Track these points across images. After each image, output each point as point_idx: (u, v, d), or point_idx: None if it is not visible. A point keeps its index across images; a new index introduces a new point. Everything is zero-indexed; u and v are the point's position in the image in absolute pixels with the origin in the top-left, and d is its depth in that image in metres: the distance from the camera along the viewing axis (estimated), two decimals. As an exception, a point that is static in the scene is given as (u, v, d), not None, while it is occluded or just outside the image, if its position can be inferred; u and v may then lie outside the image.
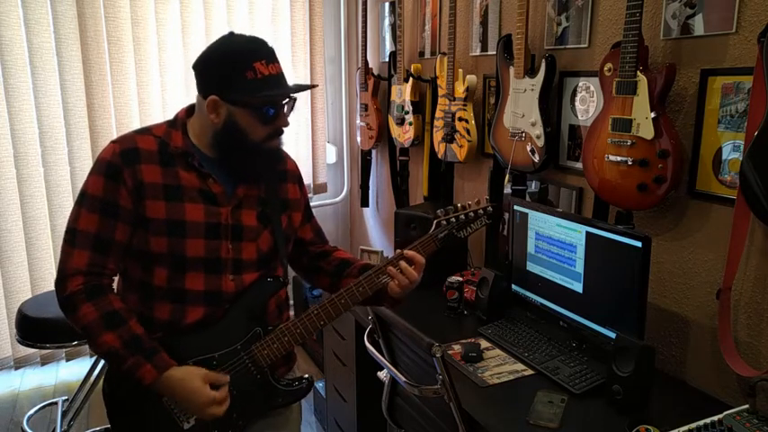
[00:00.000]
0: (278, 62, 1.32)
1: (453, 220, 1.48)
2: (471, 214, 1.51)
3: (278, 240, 1.44)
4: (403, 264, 1.41)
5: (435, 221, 1.48)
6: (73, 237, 1.29)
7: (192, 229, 1.32)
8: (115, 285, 1.38)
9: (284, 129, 1.37)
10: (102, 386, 1.41)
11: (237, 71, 1.26)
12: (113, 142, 1.33)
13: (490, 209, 1.54)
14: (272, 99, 1.31)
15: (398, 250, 1.44)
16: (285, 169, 1.52)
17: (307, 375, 1.48)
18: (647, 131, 1.72)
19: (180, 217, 1.31)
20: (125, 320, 1.29)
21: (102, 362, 2.62)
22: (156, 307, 1.34)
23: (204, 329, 1.35)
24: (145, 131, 1.36)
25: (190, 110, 1.39)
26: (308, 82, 3.62)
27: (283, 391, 1.44)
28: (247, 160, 1.36)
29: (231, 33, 1.33)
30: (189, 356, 1.33)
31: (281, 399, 1.44)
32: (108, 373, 1.40)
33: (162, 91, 3.37)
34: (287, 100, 1.34)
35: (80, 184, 3.42)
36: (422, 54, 3.12)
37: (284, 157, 1.53)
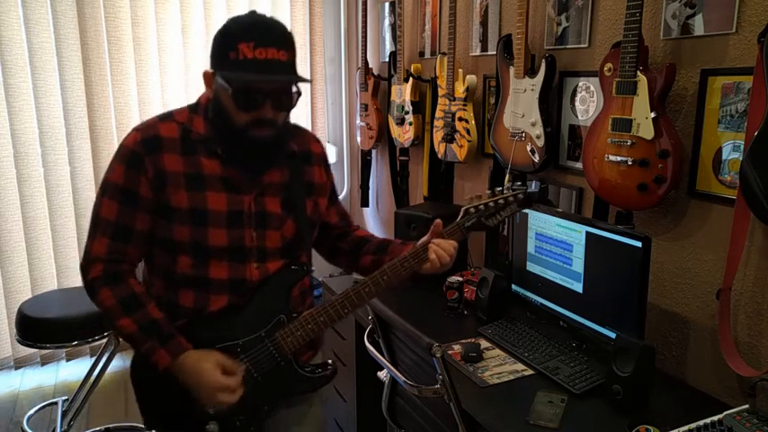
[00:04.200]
0: (274, 48, 1.22)
1: (482, 207, 1.43)
2: (501, 201, 1.44)
3: (302, 227, 1.42)
4: (432, 253, 1.39)
5: (463, 209, 1.43)
6: (95, 224, 1.31)
7: (214, 219, 1.31)
8: (141, 270, 1.39)
9: (271, 119, 1.28)
10: (130, 369, 1.42)
11: (223, 49, 1.24)
12: (136, 129, 1.32)
13: (521, 195, 1.45)
14: (242, 83, 1.23)
15: (424, 239, 1.42)
16: (309, 151, 1.48)
17: (330, 362, 1.47)
18: (647, 131, 1.72)
19: (202, 206, 1.30)
20: (143, 305, 1.30)
21: (101, 362, 2.62)
22: (181, 294, 1.34)
23: (228, 317, 1.35)
24: (167, 118, 1.34)
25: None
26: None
27: (307, 378, 1.44)
28: (236, 145, 1.31)
29: (252, 12, 1.26)
30: (213, 343, 1.33)
31: (305, 385, 1.44)
32: (133, 357, 1.41)
33: (162, 91, 3.37)
34: (272, 90, 1.25)
35: (80, 184, 3.43)
36: (422, 54, 3.12)
37: (307, 140, 1.49)
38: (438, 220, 1.45)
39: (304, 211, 1.43)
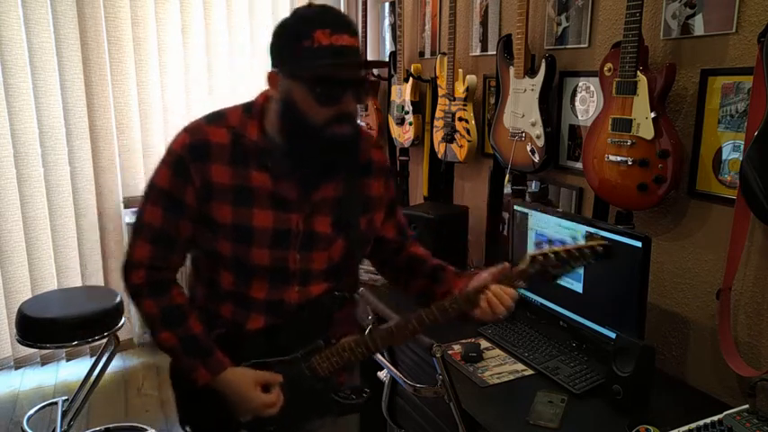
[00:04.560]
0: (347, 34, 1.13)
1: (552, 256, 1.26)
2: (576, 252, 1.25)
3: (353, 248, 1.34)
4: (487, 300, 1.26)
5: (530, 256, 1.27)
6: (138, 227, 1.26)
7: (258, 237, 1.24)
8: (185, 276, 1.37)
9: (351, 113, 1.20)
10: (169, 370, 1.40)
11: (294, 40, 1.13)
12: (185, 131, 1.24)
13: (601, 249, 1.24)
14: (330, 73, 1.13)
15: (482, 280, 1.29)
16: (370, 161, 1.35)
17: (367, 390, 1.41)
18: (647, 131, 1.72)
19: (247, 223, 1.23)
20: (185, 318, 1.27)
21: (102, 362, 2.62)
22: (222, 306, 1.31)
23: (266, 336, 1.31)
24: (218, 120, 1.24)
25: (268, 96, 1.26)
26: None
27: (339, 403, 1.38)
28: (311, 149, 1.20)
29: (309, 3, 1.19)
30: (249, 358, 1.31)
31: (336, 409, 1.38)
32: (171, 365, 1.38)
33: (162, 91, 3.37)
34: (352, 79, 1.16)
35: (80, 184, 3.44)
36: (422, 54, 3.12)
37: (367, 146, 1.34)
38: (507, 264, 1.31)
39: (357, 230, 1.33)
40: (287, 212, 1.25)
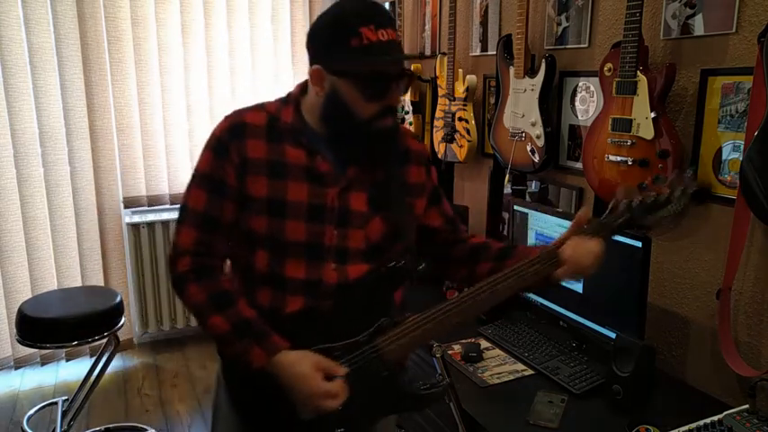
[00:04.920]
0: (392, 28, 1.16)
1: (636, 202, 1.16)
2: (663, 196, 1.15)
3: (398, 228, 1.29)
4: (569, 249, 1.17)
5: (611, 204, 1.17)
6: (183, 213, 1.25)
7: (293, 211, 1.22)
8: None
9: (394, 107, 1.21)
10: (220, 372, 1.35)
11: (341, 37, 1.13)
12: (225, 117, 1.27)
13: (690, 189, 1.15)
14: (379, 69, 1.15)
15: (561, 237, 1.20)
16: (408, 150, 1.35)
17: (446, 380, 1.32)
18: (647, 131, 1.72)
19: (281, 196, 1.22)
20: (234, 302, 1.22)
21: (102, 362, 2.62)
22: (258, 293, 1.26)
23: (307, 319, 1.24)
24: (257, 107, 1.28)
25: (304, 87, 1.28)
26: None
27: (414, 394, 1.26)
28: (355, 141, 1.22)
29: None
30: (308, 346, 1.21)
31: (411, 403, 1.28)
32: (222, 361, 1.34)
33: (162, 91, 3.37)
34: (399, 73, 1.18)
35: (80, 184, 3.44)
36: (422, 54, 3.12)
37: (406, 138, 1.37)
38: (582, 212, 1.21)
39: (402, 211, 1.29)
40: (322, 187, 1.24)
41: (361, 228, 1.26)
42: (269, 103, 1.29)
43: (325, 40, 1.17)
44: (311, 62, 1.21)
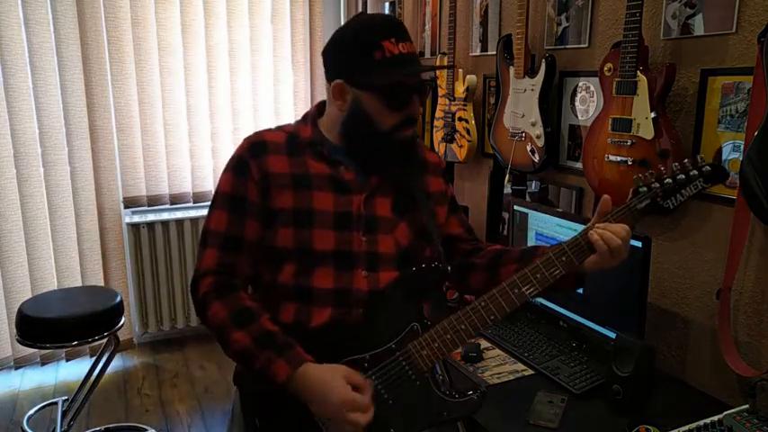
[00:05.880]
0: (410, 41, 1.20)
1: (657, 185, 1.17)
2: (682, 177, 1.16)
3: (425, 233, 1.29)
4: (596, 235, 1.14)
5: (632, 189, 1.19)
6: (205, 237, 1.25)
7: (320, 219, 1.22)
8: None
9: (416, 117, 1.25)
10: (237, 402, 1.31)
11: (364, 51, 1.17)
12: (245, 139, 1.29)
13: (707, 168, 1.15)
14: (401, 81, 1.19)
15: (587, 226, 1.19)
16: (425, 160, 1.39)
17: (483, 386, 1.26)
18: (647, 131, 1.72)
19: (308, 206, 1.22)
20: (256, 317, 1.18)
21: (101, 362, 2.62)
22: (282, 309, 1.23)
23: (337, 330, 1.21)
24: (275, 129, 1.32)
25: (320, 107, 1.33)
26: (308, 80, 3.61)
27: (450, 402, 1.21)
28: (376, 151, 1.25)
29: (360, 13, 1.23)
30: (337, 358, 1.18)
31: (447, 412, 1.21)
32: (240, 392, 1.30)
33: (162, 91, 3.37)
34: (419, 84, 1.22)
35: (80, 184, 3.44)
36: (422, 54, 3.11)
37: (421, 149, 1.39)
38: (606, 197, 1.20)
39: (430, 216, 1.30)
40: (347, 194, 1.25)
41: (390, 233, 1.27)
42: (286, 125, 1.33)
43: (347, 55, 1.21)
44: (331, 77, 1.25)
